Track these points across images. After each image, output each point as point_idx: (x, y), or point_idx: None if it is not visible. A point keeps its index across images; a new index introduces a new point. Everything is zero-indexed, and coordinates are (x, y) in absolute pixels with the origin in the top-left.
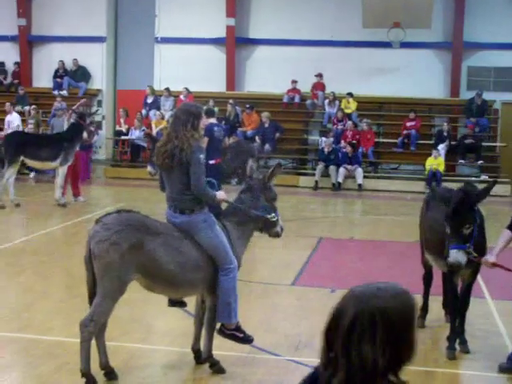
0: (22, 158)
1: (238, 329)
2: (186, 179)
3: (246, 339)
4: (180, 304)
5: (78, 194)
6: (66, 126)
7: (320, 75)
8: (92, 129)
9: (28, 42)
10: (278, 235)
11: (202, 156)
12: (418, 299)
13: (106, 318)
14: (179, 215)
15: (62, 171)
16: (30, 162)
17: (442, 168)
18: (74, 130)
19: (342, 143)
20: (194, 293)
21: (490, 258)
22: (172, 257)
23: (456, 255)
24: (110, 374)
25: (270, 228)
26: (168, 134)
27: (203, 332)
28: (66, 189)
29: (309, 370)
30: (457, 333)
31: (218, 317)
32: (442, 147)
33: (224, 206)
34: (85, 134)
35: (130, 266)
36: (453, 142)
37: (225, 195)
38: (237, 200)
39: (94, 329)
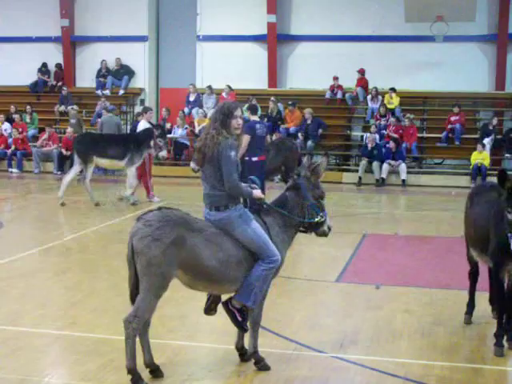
0: (94, 157)
1: (242, 312)
2: (218, 176)
3: (241, 325)
4: (214, 312)
5: (151, 195)
6: (139, 128)
7: (362, 71)
8: (160, 143)
9: (71, 42)
10: (325, 234)
11: (232, 153)
12: (466, 295)
13: (149, 314)
14: (214, 212)
15: (131, 172)
16: (100, 161)
17: (487, 162)
18: (144, 135)
19: (385, 138)
20: (234, 289)
21: None
22: (213, 253)
23: None
24: (155, 371)
25: (316, 228)
26: (204, 132)
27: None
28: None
29: (354, 367)
30: (504, 329)
31: (238, 294)
32: (487, 141)
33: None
34: (151, 144)
35: (172, 262)
36: (498, 136)
37: (260, 194)
38: (281, 197)
39: (137, 325)
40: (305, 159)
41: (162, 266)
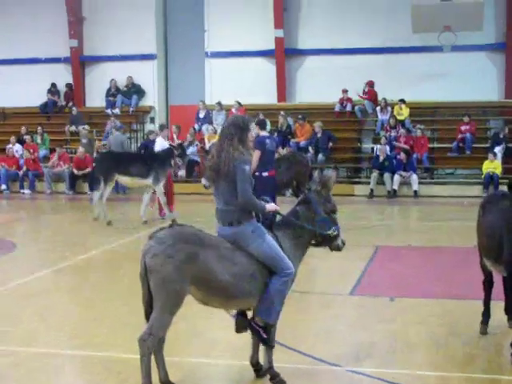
0: (116, 175)
1: (266, 329)
2: (231, 191)
3: (267, 341)
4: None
5: (171, 210)
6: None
7: (371, 83)
8: (179, 163)
9: (80, 62)
10: (339, 249)
11: (247, 167)
12: (480, 305)
13: (164, 332)
14: (228, 228)
15: (159, 190)
16: (122, 179)
17: (499, 171)
18: (167, 153)
19: (396, 150)
20: (249, 305)
21: None
22: (226, 268)
23: None
24: None
25: (329, 242)
26: (216, 147)
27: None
28: (153, 205)
29: (369, 380)
30: None
31: (258, 310)
32: (498, 150)
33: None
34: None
35: (186, 279)
36: (509, 145)
37: (275, 206)
38: (291, 212)
39: (152, 343)
40: (315, 173)
41: (175, 284)
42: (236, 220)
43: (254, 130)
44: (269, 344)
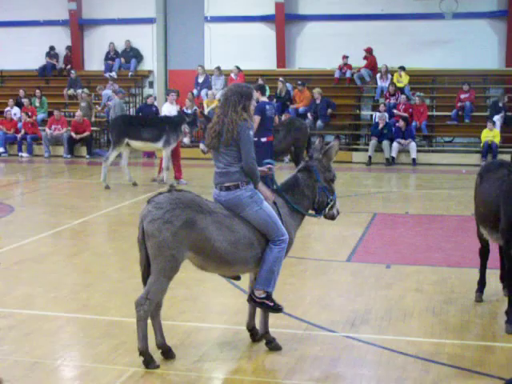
0: (126, 140)
1: (269, 297)
2: (233, 154)
3: (276, 308)
4: (235, 278)
5: (180, 177)
6: (173, 112)
7: (369, 50)
8: (186, 130)
9: (79, 25)
10: (333, 218)
11: (250, 132)
12: (476, 273)
13: (161, 296)
14: (225, 192)
15: (166, 154)
16: (134, 144)
17: (497, 140)
18: (179, 118)
19: (395, 117)
20: (246, 270)
21: None
22: (224, 235)
23: None
24: (166, 352)
25: (325, 210)
26: (218, 114)
27: (258, 309)
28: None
29: (365, 346)
30: None
31: (258, 282)
32: (497, 118)
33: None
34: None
35: (183, 244)
36: (508, 113)
37: (270, 193)
38: (292, 178)
39: (149, 307)
40: (317, 141)
41: (172, 249)
42: (234, 182)
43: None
44: (277, 309)
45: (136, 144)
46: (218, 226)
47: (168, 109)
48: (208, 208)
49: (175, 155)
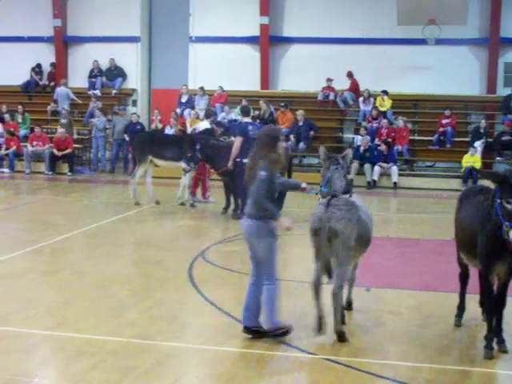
0: (150, 157)
1: (277, 328)
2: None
3: (286, 332)
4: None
5: (206, 196)
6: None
7: (349, 74)
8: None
9: (63, 42)
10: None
11: (263, 173)
12: (455, 298)
13: (345, 281)
14: (249, 220)
15: (188, 175)
16: (157, 161)
17: (478, 165)
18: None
19: (377, 141)
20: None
21: None
22: (368, 225)
23: None
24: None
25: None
26: (252, 152)
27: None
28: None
29: (343, 369)
30: (494, 332)
31: (269, 323)
32: (478, 144)
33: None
34: None
35: (355, 236)
36: (489, 139)
37: (290, 223)
38: (346, 185)
39: (341, 294)
40: (349, 151)
41: (352, 241)
42: (255, 215)
43: (237, 117)
44: (287, 331)
45: (160, 162)
46: (366, 218)
47: (204, 126)
48: (360, 206)
49: (202, 173)
